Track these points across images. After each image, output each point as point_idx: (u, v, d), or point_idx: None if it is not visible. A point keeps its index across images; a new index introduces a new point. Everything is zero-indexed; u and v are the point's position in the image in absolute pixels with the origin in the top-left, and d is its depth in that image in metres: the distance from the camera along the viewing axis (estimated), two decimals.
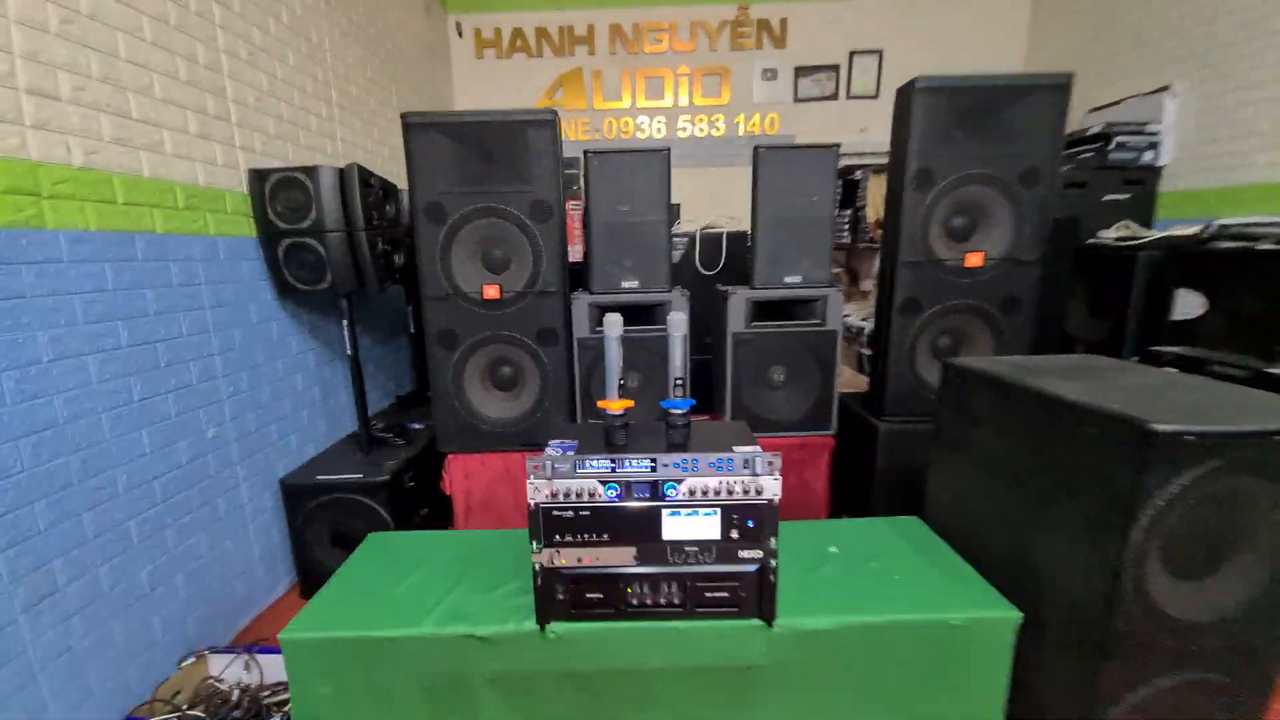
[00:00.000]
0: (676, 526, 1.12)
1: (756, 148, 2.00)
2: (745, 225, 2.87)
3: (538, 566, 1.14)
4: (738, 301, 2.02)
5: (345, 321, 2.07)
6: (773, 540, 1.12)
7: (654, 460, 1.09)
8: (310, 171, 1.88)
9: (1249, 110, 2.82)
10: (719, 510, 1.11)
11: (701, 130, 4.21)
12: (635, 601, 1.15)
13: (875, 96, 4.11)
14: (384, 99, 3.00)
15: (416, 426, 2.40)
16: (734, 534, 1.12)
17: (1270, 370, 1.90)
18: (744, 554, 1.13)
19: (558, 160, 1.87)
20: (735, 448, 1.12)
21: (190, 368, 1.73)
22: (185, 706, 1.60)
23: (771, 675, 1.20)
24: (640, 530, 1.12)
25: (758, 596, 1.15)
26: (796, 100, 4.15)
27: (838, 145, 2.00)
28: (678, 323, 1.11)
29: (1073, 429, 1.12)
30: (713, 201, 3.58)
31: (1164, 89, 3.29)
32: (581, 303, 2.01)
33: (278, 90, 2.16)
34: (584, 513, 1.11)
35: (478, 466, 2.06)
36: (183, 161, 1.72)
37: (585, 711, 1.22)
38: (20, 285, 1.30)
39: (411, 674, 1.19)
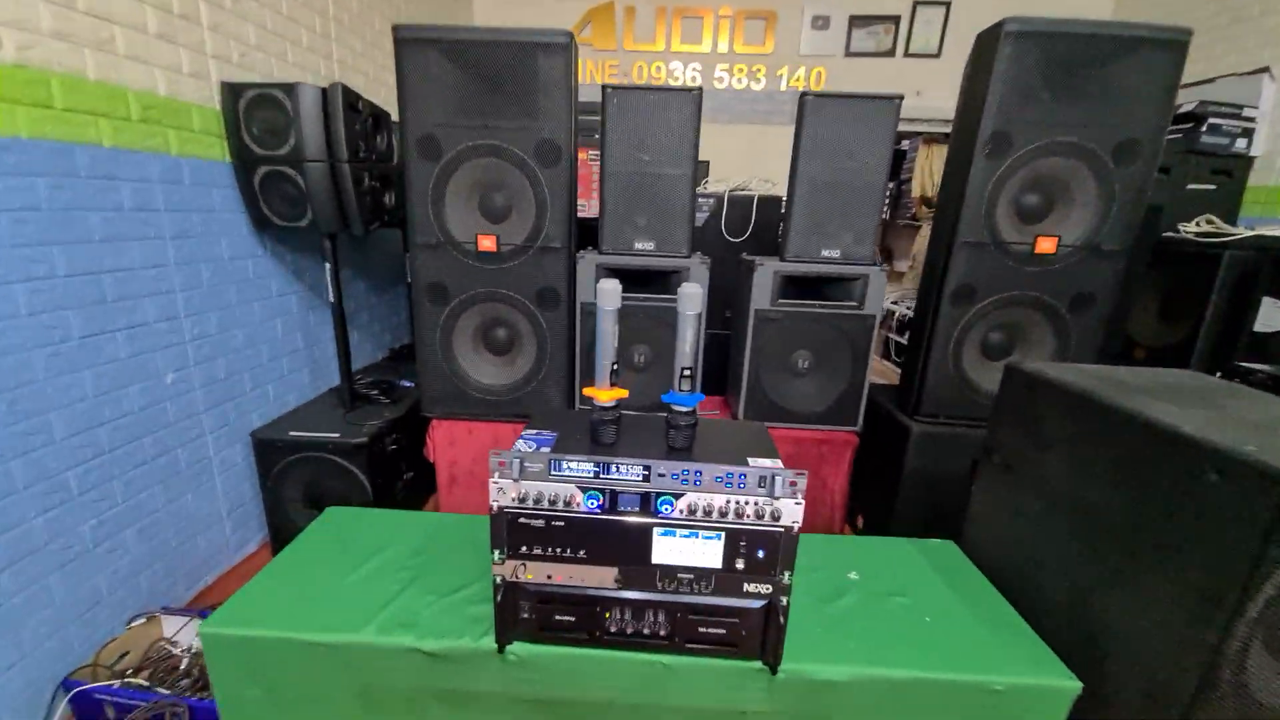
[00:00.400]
0: (670, 549, 0.90)
1: (804, 95, 1.69)
2: (780, 190, 2.57)
3: (499, 579, 0.93)
4: (765, 274, 1.76)
5: (328, 265, 1.85)
6: (787, 575, 0.90)
7: (648, 468, 0.87)
8: (289, 89, 1.63)
9: None
10: (723, 535, 0.89)
11: (740, 82, 3.82)
12: (614, 629, 0.95)
13: (937, 55, 3.67)
14: (392, 20, 2.70)
15: (406, 385, 2.21)
16: (739, 564, 0.90)
17: None
18: (750, 588, 0.91)
19: (571, 93, 1.59)
20: (751, 460, 0.89)
21: (145, 305, 1.52)
22: (129, 671, 1.46)
23: None
24: (625, 550, 0.91)
25: (761, 637, 0.93)
26: (848, 54, 3.74)
27: (900, 97, 1.69)
28: (691, 298, 0.86)
29: (1185, 471, 0.86)
30: (746, 163, 3.25)
31: (1263, 70, 2.87)
32: (588, 263, 1.76)
33: None
34: (557, 524, 0.89)
35: (464, 434, 1.86)
36: (138, 65, 1.47)
37: None
38: None
39: (351, 684, 1.01)
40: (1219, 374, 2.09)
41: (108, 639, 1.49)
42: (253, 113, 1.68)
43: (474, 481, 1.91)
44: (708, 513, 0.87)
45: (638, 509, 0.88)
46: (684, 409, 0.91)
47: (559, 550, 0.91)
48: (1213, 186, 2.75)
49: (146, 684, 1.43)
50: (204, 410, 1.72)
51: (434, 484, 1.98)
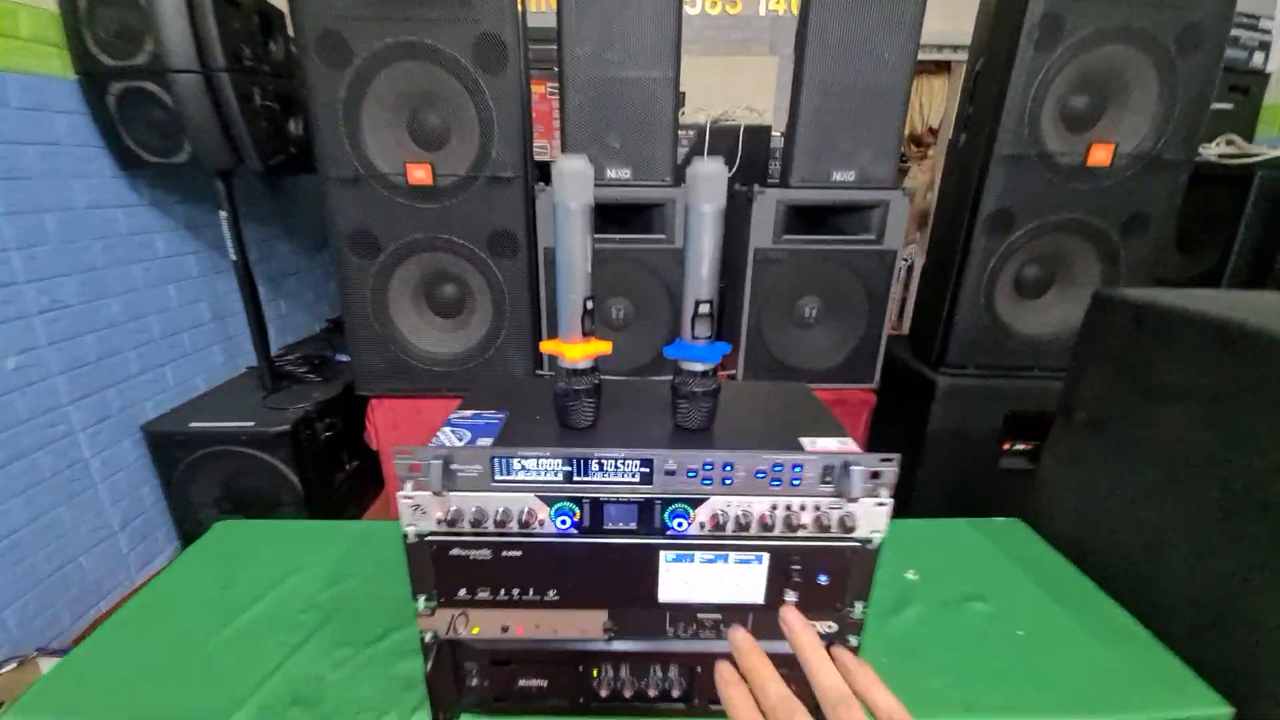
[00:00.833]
0: (685, 580, 0.58)
1: None
2: (768, 119, 2.21)
3: (428, 637, 0.60)
4: (766, 206, 1.42)
5: (223, 213, 1.44)
6: (859, 607, 0.59)
7: (649, 462, 0.54)
8: None
9: None
10: (766, 556, 0.57)
11: (714, 6, 3.37)
12: (606, 691, 0.63)
13: None
14: None
15: (342, 359, 1.83)
16: (790, 596, 0.58)
17: None
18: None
19: None
20: (806, 440, 0.56)
21: None
22: None
23: None
24: (618, 585, 0.58)
25: None
26: None
27: None
28: (709, 182, 0.51)
29: None
30: (723, 98, 2.86)
31: None
32: (550, 198, 1.38)
33: None
34: (512, 554, 0.56)
35: (410, 415, 1.50)
36: None
37: None
38: None
39: None
40: None
41: None
42: (97, 10, 1.25)
43: None
44: (743, 525, 0.55)
45: (635, 525, 0.56)
46: (700, 367, 0.57)
47: (518, 592, 0.58)
48: (1229, 105, 2.48)
49: None
50: (69, 402, 1.32)
51: (380, 474, 1.62)
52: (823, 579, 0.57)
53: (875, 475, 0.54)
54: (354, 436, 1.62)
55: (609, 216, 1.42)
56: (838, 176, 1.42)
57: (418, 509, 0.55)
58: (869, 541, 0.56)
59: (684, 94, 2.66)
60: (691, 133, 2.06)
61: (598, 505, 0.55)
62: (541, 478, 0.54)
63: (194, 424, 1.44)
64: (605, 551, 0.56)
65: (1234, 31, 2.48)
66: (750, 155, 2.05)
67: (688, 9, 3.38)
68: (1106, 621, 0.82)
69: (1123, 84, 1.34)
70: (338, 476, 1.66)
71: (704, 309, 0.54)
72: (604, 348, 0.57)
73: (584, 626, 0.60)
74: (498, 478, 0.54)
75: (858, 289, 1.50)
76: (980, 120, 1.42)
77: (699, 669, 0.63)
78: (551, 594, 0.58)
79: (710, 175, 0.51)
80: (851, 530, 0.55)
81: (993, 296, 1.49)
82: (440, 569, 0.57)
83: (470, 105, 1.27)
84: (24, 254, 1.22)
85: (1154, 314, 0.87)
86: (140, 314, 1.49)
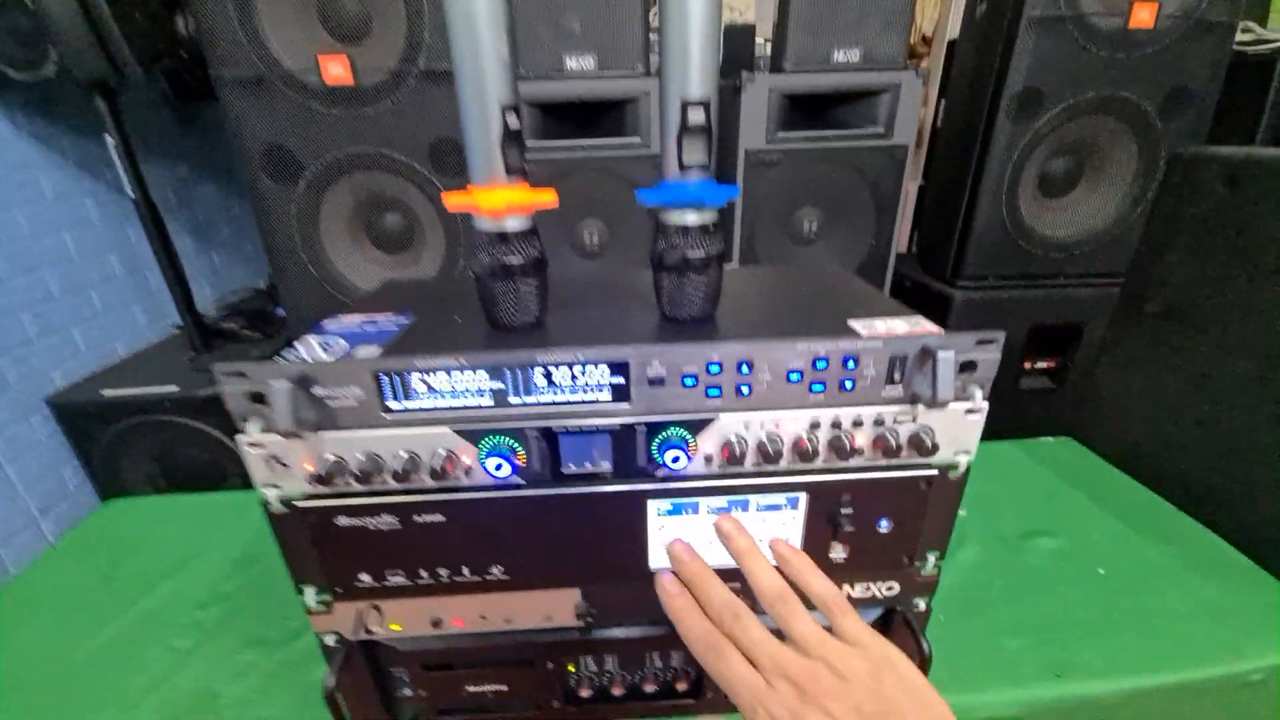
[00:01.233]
0: (685, 536, 0.40)
1: None
2: (750, 18, 1.94)
3: (330, 640, 0.42)
4: (757, 96, 1.18)
5: (109, 137, 1.18)
6: (933, 560, 0.41)
7: (623, 368, 0.34)
8: None
9: None
10: (803, 498, 0.38)
11: None
12: (587, 691, 0.46)
13: None
14: None
15: (283, 313, 1.59)
16: (838, 550, 0.40)
17: None
18: (857, 589, 0.42)
19: None
20: (859, 324, 0.37)
21: None
22: None
23: None
24: (591, 552, 0.40)
25: None
26: None
27: None
28: None
29: None
30: None
31: None
32: None
33: None
34: (429, 519, 0.37)
35: None
36: None
37: None
38: None
39: None
40: None
41: None
42: None
43: None
44: (770, 455, 0.36)
45: (608, 465, 0.37)
46: (694, 217, 0.37)
47: (446, 573, 0.39)
48: None
49: None
50: None
51: None
52: (884, 524, 0.39)
53: (969, 367, 0.35)
54: None
55: (570, 117, 1.18)
56: (839, 57, 1.19)
57: (274, 461, 0.35)
58: (953, 468, 0.37)
59: None
60: None
61: (549, 439, 0.36)
62: (460, 402, 0.35)
63: (107, 392, 1.22)
64: (567, 507, 0.38)
65: None
66: (735, 57, 1.78)
67: None
68: (1200, 551, 0.67)
69: None
70: None
71: (696, 116, 0.33)
72: (545, 198, 0.36)
73: (549, 612, 0.42)
74: (392, 405, 0.34)
75: (864, 194, 1.29)
76: None
77: None
78: (496, 571, 0.40)
79: None
80: (931, 452, 0.36)
81: (1015, 195, 1.29)
82: (326, 548, 0.38)
83: None
84: None
85: (1256, 172, 0.68)
86: (29, 267, 1.24)
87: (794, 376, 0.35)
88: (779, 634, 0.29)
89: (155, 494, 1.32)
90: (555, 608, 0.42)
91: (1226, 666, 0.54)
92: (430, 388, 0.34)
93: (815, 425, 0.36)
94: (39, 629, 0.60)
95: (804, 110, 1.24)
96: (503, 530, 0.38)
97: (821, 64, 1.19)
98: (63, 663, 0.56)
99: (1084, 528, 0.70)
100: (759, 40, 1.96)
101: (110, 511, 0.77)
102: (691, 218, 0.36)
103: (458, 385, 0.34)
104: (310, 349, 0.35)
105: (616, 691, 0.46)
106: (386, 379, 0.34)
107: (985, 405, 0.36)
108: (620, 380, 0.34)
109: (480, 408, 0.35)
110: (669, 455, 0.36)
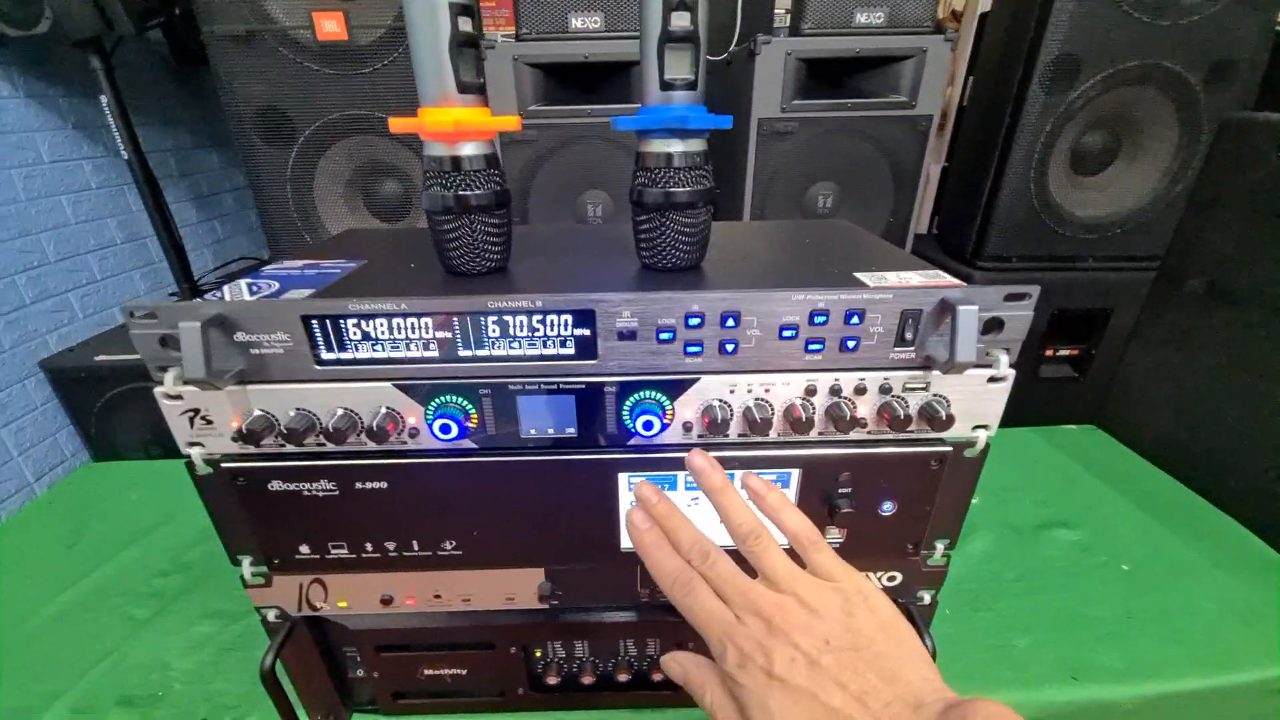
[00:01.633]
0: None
1: None
2: None
3: (271, 615, 0.38)
4: (772, 60, 1.11)
5: (104, 98, 1.14)
6: (941, 548, 0.36)
7: (588, 318, 0.30)
8: None
9: None
10: (796, 474, 0.33)
11: None
12: (554, 678, 0.42)
13: None
14: None
15: None
16: (836, 533, 0.36)
17: None
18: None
19: None
20: (867, 276, 0.32)
21: None
22: None
23: None
24: (555, 529, 0.35)
25: None
26: None
27: None
28: None
29: None
30: None
31: None
32: (500, 55, 1.09)
33: None
34: (370, 486, 0.33)
35: None
36: None
37: None
38: None
39: None
40: None
41: None
42: None
43: None
44: (758, 423, 0.31)
45: (573, 430, 0.32)
46: (679, 146, 0.31)
47: (394, 546, 0.35)
48: None
49: None
50: None
51: None
52: (887, 507, 0.34)
53: (994, 326, 0.29)
54: None
55: (574, 81, 1.12)
56: (862, 19, 1.11)
57: (197, 416, 0.31)
58: (970, 445, 0.32)
59: None
60: None
61: (505, 398, 0.31)
62: (403, 354, 0.30)
63: (100, 357, 1.20)
64: (526, 478, 0.33)
65: None
66: (751, 23, 1.70)
67: None
68: (1231, 546, 0.61)
69: None
70: None
71: (680, 21, 0.28)
72: (508, 122, 0.31)
73: (511, 592, 0.38)
74: (325, 356, 0.30)
75: (883, 167, 1.22)
76: None
77: (692, 645, 0.41)
78: (449, 546, 0.35)
79: None
80: (945, 425, 0.31)
81: (1045, 171, 1.21)
82: (259, 515, 0.34)
83: None
84: None
85: None
86: (25, 230, 1.22)
87: (787, 333, 0.30)
88: (752, 572, 0.28)
89: (147, 460, 1.30)
90: (517, 588, 0.38)
91: (1258, 672, 0.49)
92: (367, 336, 0.29)
93: (811, 391, 0.31)
94: (6, 585, 0.58)
95: (822, 77, 1.16)
96: (454, 501, 0.34)
97: (843, 26, 1.11)
98: (16, 630, 0.54)
99: (1106, 520, 0.64)
100: (778, 11, 1.88)
101: (84, 475, 0.75)
102: (676, 146, 0.31)
103: (399, 334, 0.30)
104: (239, 291, 0.31)
105: (586, 680, 0.42)
106: (317, 325, 0.29)
107: (1011, 373, 0.31)
108: (585, 332, 0.30)
109: (426, 361, 0.30)
110: (641, 421, 0.31)
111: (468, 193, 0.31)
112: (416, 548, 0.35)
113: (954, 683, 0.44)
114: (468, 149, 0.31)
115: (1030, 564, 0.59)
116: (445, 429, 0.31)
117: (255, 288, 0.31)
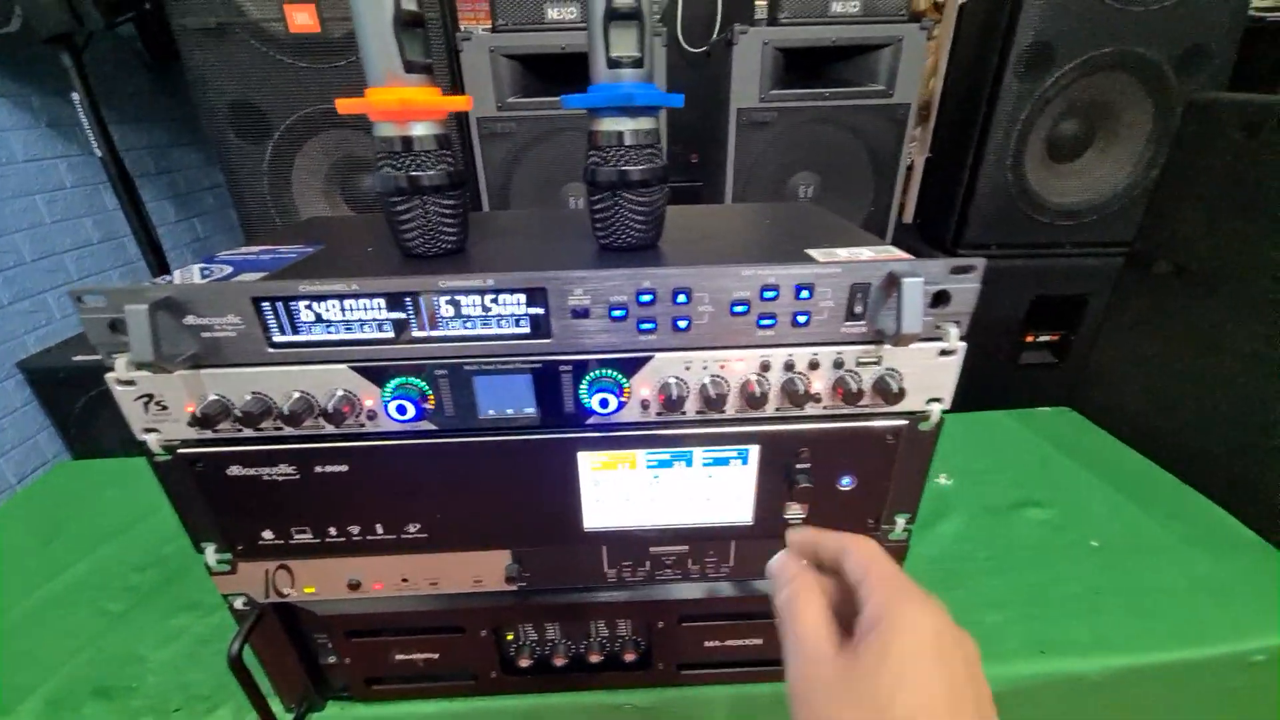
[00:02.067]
0: (624, 495, 0.35)
1: None
2: None
3: (239, 603, 0.38)
4: (750, 50, 1.11)
5: (75, 94, 1.13)
6: (902, 523, 0.37)
7: (540, 296, 0.30)
8: None
9: None
10: (754, 450, 0.34)
11: None
12: (526, 661, 0.42)
13: None
14: None
15: None
16: (797, 508, 0.36)
17: None
18: None
19: None
20: (818, 252, 0.32)
21: None
22: None
23: None
24: (517, 510, 0.36)
25: None
26: None
27: None
28: None
29: None
30: None
31: None
32: (477, 47, 1.08)
33: None
34: (331, 469, 0.33)
35: None
36: None
37: None
38: None
39: None
40: None
41: None
42: None
43: None
44: (714, 400, 0.31)
45: (532, 409, 0.32)
46: (629, 124, 0.31)
47: (358, 530, 0.35)
48: None
49: None
50: None
51: None
52: (846, 482, 0.35)
53: (942, 300, 0.30)
54: None
55: (552, 73, 1.12)
56: (838, 8, 1.11)
57: (151, 402, 0.31)
58: (924, 418, 0.33)
59: None
60: None
61: (460, 378, 0.31)
62: (356, 335, 0.30)
63: (79, 357, 1.19)
64: (486, 459, 0.33)
65: None
66: (732, 15, 1.70)
67: None
68: (1202, 524, 0.62)
69: None
70: None
71: None
72: (457, 102, 0.31)
73: (478, 575, 0.38)
74: (277, 339, 0.30)
75: (862, 157, 1.22)
76: None
77: (664, 622, 0.41)
78: (413, 529, 0.35)
79: None
80: (898, 398, 0.31)
81: (1022, 158, 1.21)
82: (219, 501, 0.34)
83: None
84: None
85: (1278, 119, 0.61)
86: (1, 230, 1.21)
87: (739, 309, 0.30)
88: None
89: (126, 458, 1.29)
90: (484, 571, 0.38)
91: (1226, 646, 0.50)
92: (320, 318, 0.29)
93: (765, 367, 0.31)
94: None
95: (800, 67, 1.17)
96: (416, 483, 0.34)
97: (819, 15, 1.12)
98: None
99: (1078, 498, 0.65)
100: (759, 3, 1.87)
101: (61, 473, 0.74)
102: (626, 124, 0.31)
103: (352, 316, 0.30)
104: (190, 274, 0.31)
105: (558, 662, 0.42)
106: (269, 307, 0.29)
107: (961, 346, 0.31)
108: (539, 311, 0.30)
109: (380, 342, 0.30)
110: (598, 399, 0.31)
111: (419, 173, 0.31)
112: (381, 531, 0.35)
113: None
114: (418, 129, 0.31)
115: (1002, 543, 0.60)
116: (402, 410, 0.31)
117: (207, 271, 0.31)
